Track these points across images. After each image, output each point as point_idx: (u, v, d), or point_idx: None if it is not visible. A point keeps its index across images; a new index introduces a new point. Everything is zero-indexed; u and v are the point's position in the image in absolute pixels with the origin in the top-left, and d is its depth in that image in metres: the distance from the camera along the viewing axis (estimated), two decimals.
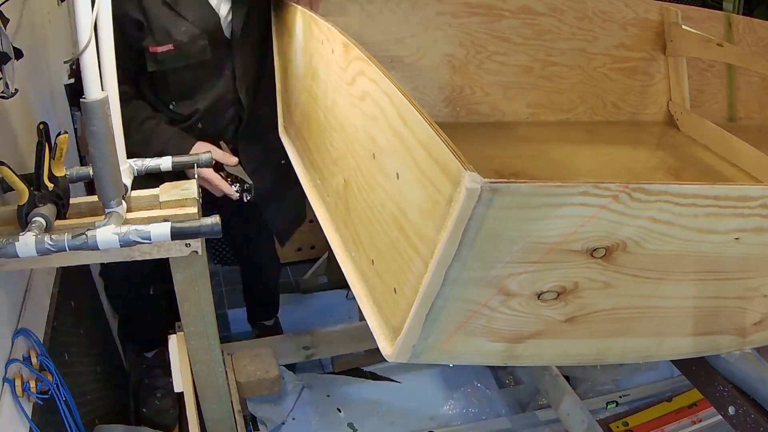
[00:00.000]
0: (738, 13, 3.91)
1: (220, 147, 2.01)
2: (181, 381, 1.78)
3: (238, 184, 1.97)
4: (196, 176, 1.56)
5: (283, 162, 2.15)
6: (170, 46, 1.86)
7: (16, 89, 1.26)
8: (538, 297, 1.06)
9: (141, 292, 2.33)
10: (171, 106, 2.01)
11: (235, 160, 1.99)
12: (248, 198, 1.98)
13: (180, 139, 1.96)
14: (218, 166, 1.97)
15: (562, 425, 2.42)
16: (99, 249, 1.19)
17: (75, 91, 2.31)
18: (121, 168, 1.32)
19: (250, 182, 1.98)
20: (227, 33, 1.96)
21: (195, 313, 1.52)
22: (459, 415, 2.63)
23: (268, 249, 2.70)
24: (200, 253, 1.37)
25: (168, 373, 2.05)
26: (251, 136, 2.11)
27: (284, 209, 2.35)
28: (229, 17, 1.94)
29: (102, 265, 2.30)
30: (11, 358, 1.38)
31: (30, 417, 1.38)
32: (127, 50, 1.85)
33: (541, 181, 0.89)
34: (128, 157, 1.44)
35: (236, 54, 1.97)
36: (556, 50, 2.34)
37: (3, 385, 1.33)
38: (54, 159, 1.25)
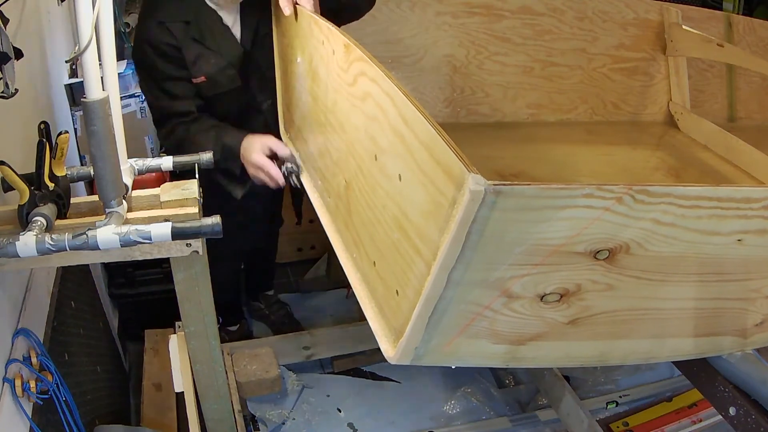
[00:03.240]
0: (738, 13, 3.92)
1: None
2: (181, 381, 1.78)
3: (284, 168, 1.92)
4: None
5: None
6: (203, 78, 1.97)
7: (16, 89, 1.25)
8: (541, 299, 1.06)
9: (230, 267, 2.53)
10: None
11: (287, 150, 1.94)
12: (294, 183, 1.92)
13: (235, 131, 1.99)
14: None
15: (562, 425, 2.42)
16: (99, 249, 1.19)
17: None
18: (121, 168, 1.32)
19: (297, 165, 1.91)
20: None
21: (195, 313, 1.52)
22: (459, 415, 2.63)
23: (276, 223, 2.80)
24: (201, 253, 1.36)
25: None
26: None
27: None
28: (238, 32, 2.01)
29: None
30: (11, 358, 1.38)
31: (30, 417, 1.38)
32: (188, 86, 1.98)
33: (545, 183, 0.89)
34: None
35: (252, 67, 2.04)
36: (556, 50, 2.34)
37: (3, 385, 1.33)
38: (55, 158, 1.25)
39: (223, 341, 2.50)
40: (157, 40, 1.90)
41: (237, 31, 2.01)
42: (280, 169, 1.91)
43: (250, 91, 2.08)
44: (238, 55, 2.00)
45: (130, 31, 2.93)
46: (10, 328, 1.43)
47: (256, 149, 1.91)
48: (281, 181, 1.90)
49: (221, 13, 1.98)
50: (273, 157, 1.91)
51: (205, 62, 1.96)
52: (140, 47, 1.95)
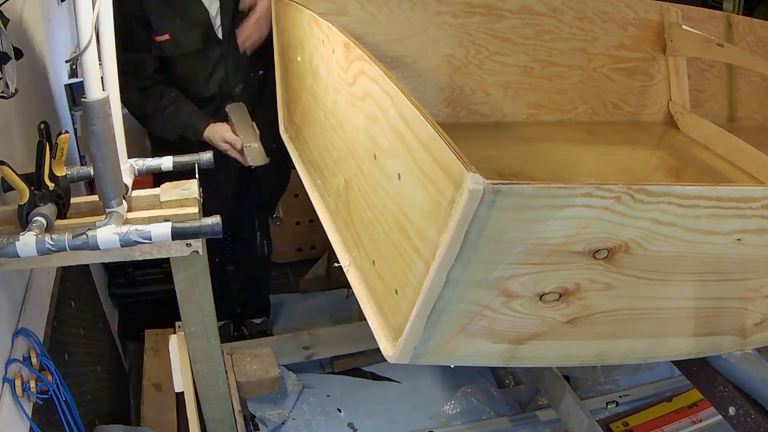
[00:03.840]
0: (738, 13, 3.91)
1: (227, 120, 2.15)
2: (181, 381, 1.78)
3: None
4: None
5: None
6: (167, 36, 2.07)
7: (16, 89, 1.26)
8: (540, 298, 1.06)
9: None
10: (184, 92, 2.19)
11: (239, 143, 2.10)
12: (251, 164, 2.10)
13: (196, 120, 2.15)
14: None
15: (562, 425, 2.42)
16: (99, 249, 1.19)
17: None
18: (121, 168, 1.32)
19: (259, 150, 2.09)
20: (219, 33, 2.13)
21: (195, 313, 1.52)
22: (459, 415, 2.63)
23: (267, 242, 2.78)
24: (201, 253, 1.36)
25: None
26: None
27: (272, 177, 2.48)
28: (219, 19, 2.10)
29: None
30: (11, 358, 1.38)
31: (30, 417, 1.38)
32: (147, 42, 2.07)
33: (544, 183, 0.89)
34: (154, 139, 1.51)
35: (227, 53, 2.14)
36: (556, 50, 2.34)
37: (3, 385, 1.33)
38: (55, 158, 1.25)
39: None
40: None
41: (214, 8, 2.09)
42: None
43: (223, 74, 2.17)
44: (203, 20, 2.09)
45: None
46: (10, 328, 1.43)
47: (218, 144, 2.10)
48: (238, 145, 2.09)
49: None
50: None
51: (170, 20, 2.05)
52: None
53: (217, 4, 2.08)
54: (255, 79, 2.21)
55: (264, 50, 2.09)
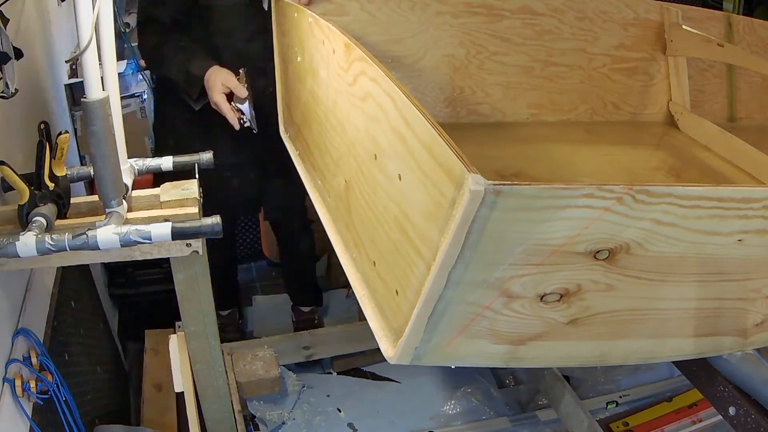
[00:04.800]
0: (738, 13, 3.91)
1: (237, 75, 2.04)
2: (181, 381, 1.77)
3: (242, 117, 2.03)
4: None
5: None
6: None
7: (16, 89, 1.26)
8: (541, 299, 1.06)
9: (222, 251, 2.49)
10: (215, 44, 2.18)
11: (245, 93, 2.01)
12: (246, 125, 2.03)
13: (202, 59, 2.06)
14: (231, 96, 2.03)
15: (562, 425, 2.42)
16: (99, 249, 1.19)
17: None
18: (121, 168, 1.32)
19: (250, 117, 2.02)
20: (265, 5, 2.12)
21: (195, 313, 1.52)
22: (459, 415, 2.63)
23: (305, 239, 2.83)
24: (201, 253, 1.36)
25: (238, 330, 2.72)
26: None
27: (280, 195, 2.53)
28: None
29: None
30: (11, 358, 1.38)
31: (30, 417, 1.38)
32: None
33: (545, 183, 0.89)
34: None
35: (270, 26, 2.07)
36: (556, 50, 2.34)
37: (3, 385, 1.33)
38: (55, 158, 1.25)
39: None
40: None
41: None
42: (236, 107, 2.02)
43: (260, 48, 2.12)
44: None
45: (130, 31, 2.93)
46: (10, 328, 1.43)
47: (216, 88, 1.99)
48: (236, 126, 2.01)
49: None
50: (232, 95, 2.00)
51: None
52: None
53: None
54: None
55: None
